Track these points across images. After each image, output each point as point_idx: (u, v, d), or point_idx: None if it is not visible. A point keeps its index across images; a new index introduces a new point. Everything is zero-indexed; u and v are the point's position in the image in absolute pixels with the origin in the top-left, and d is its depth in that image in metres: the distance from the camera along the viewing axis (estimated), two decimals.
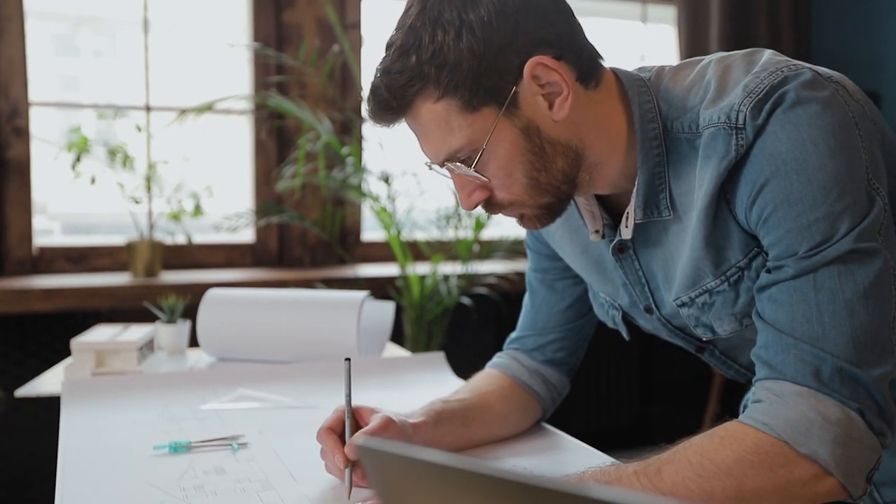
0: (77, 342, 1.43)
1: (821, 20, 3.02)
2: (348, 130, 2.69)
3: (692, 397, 2.95)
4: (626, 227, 0.97)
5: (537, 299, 1.21)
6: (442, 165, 0.92)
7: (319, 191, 2.63)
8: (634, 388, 3.07)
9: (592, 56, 0.93)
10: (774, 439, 0.81)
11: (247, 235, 2.72)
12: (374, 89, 0.90)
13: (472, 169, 0.89)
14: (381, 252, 2.81)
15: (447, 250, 2.55)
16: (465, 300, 2.53)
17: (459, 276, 2.51)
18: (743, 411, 1.10)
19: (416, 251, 2.60)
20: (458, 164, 0.90)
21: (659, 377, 3.12)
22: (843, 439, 0.79)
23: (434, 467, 0.41)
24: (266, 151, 2.70)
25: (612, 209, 1.02)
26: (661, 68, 0.97)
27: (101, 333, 1.49)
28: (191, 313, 1.59)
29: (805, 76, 0.84)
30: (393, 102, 0.89)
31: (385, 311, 1.61)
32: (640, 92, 0.94)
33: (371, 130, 2.59)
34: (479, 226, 2.46)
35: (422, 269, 2.50)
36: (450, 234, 2.53)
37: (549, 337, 1.20)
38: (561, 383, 1.22)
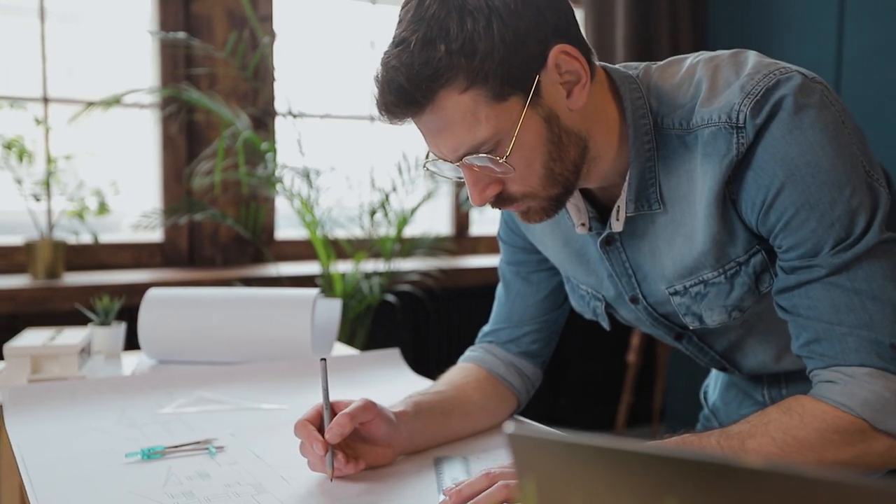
0: (11, 347, 1.33)
1: (716, 20, 3.17)
2: (262, 126, 2.62)
3: (604, 389, 3.04)
4: (617, 220, 0.99)
5: (512, 292, 1.22)
6: (459, 160, 0.90)
7: (232, 188, 2.56)
8: (545, 380, 3.13)
9: (589, 48, 0.95)
10: (854, 418, 0.86)
11: (155, 234, 2.61)
12: (392, 84, 0.86)
13: (503, 160, 0.88)
14: (296, 250, 2.75)
15: (369, 248, 2.53)
16: (390, 298, 2.51)
17: (381, 274, 2.49)
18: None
19: (337, 249, 2.57)
20: (481, 156, 0.89)
21: (570, 370, 3.20)
22: None
23: (590, 450, 0.41)
24: (175, 147, 2.59)
25: (594, 202, 1.04)
26: (648, 66, 1.00)
27: (33, 337, 1.40)
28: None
29: (796, 80, 0.89)
30: (417, 95, 0.86)
31: (332, 308, 1.58)
32: (630, 88, 0.96)
33: (286, 126, 2.53)
34: (402, 223, 2.45)
35: (343, 267, 2.47)
36: (371, 232, 2.50)
37: (524, 329, 1.21)
38: (535, 375, 1.23)
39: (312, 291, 1.49)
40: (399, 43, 0.87)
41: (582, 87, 0.90)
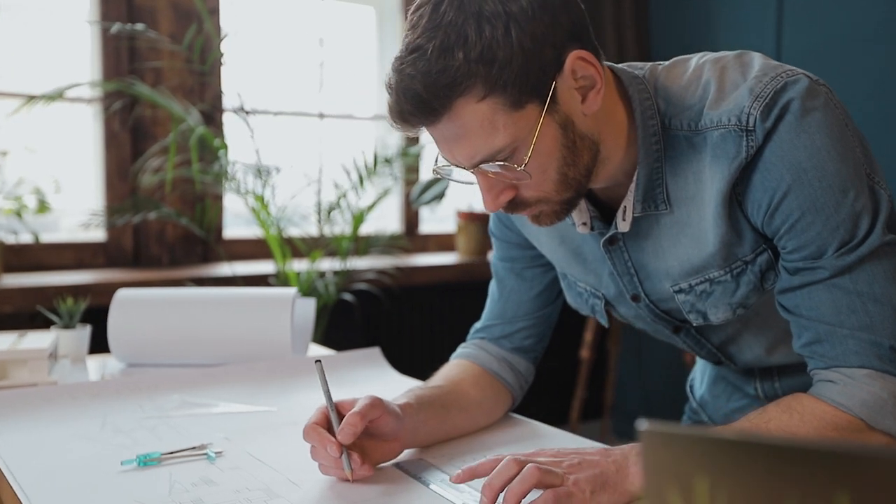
0: None
1: (658, 23, 3.23)
2: (211, 122, 2.55)
3: (557, 385, 3.07)
4: (624, 220, 0.99)
5: (506, 288, 1.21)
6: (474, 167, 0.89)
7: (180, 186, 2.48)
8: None
9: (600, 51, 0.95)
10: (852, 417, 0.88)
11: (98, 234, 2.51)
12: (408, 92, 0.85)
13: (521, 168, 0.87)
14: (245, 249, 2.69)
15: (324, 246, 2.49)
16: (347, 296, 2.48)
17: (336, 273, 2.45)
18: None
19: (291, 247, 2.52)
20: (497, 163, 0.88)
21: None
22: None
23: (750, 446, 0.40)
24: (119, 144, 2.50)
25: (595, 201, 1.04)
26: (654, 66, 1.01)
27: None
28: (43, 319, 1.47)
29: (802, 83, 0.90)
30: (434, 104, 0.84)
31: (308, 308, 1.55)
32: (639, 89, 0.97)
33: (236, 122, 2.47)
34: (358, 221, 2.42)
35: (297, 266, 2.42)
36: (326, 230, 2.47)
37: (517, 325, 1.21)
38: (528, 371, 1.23)
39: (291, 290, 1.46)
40: (414, 49, 0.85)
41: (597, 91, 0.90)
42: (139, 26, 2.29)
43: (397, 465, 1.00)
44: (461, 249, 2.89)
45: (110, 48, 2.46)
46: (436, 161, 0.97)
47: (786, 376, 1.16)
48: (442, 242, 3.06)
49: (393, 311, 2.70)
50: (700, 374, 1.34)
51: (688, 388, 1.37)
